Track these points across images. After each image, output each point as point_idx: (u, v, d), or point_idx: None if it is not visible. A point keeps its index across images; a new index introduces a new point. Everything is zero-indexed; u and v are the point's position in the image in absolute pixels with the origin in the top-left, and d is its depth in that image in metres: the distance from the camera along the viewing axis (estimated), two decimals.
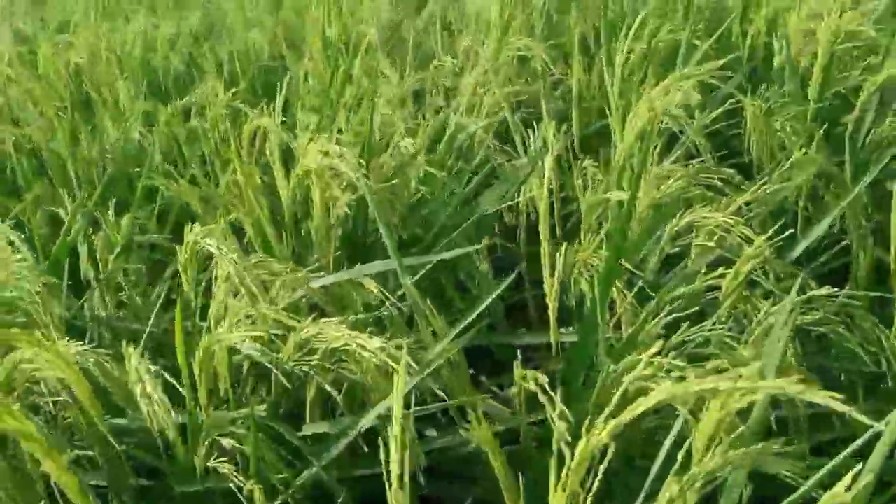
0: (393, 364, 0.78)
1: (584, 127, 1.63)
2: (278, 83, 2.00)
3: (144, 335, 1.02)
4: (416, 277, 0.98)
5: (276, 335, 0.92)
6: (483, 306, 0.86)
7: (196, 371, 0.85)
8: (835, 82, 1.48)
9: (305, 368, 0.88)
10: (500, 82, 1.56)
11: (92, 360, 0.91)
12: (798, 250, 1.04)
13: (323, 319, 0.88)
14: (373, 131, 1.54)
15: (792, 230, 1.02)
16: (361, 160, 1.06)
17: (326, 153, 1.09)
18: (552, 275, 0.88)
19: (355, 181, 1.05)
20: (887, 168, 1.21)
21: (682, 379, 0.73)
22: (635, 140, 1.12)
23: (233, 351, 0.92)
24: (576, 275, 1.06)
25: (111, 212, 1.26)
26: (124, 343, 0.86)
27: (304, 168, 1.10)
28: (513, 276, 0.93)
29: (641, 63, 1.62)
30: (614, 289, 0.94)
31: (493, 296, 0.88)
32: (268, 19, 2.50)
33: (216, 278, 0.95)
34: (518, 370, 0.70)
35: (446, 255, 0.98)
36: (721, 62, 1.45)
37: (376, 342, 0.81)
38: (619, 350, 0.84)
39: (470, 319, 0.85)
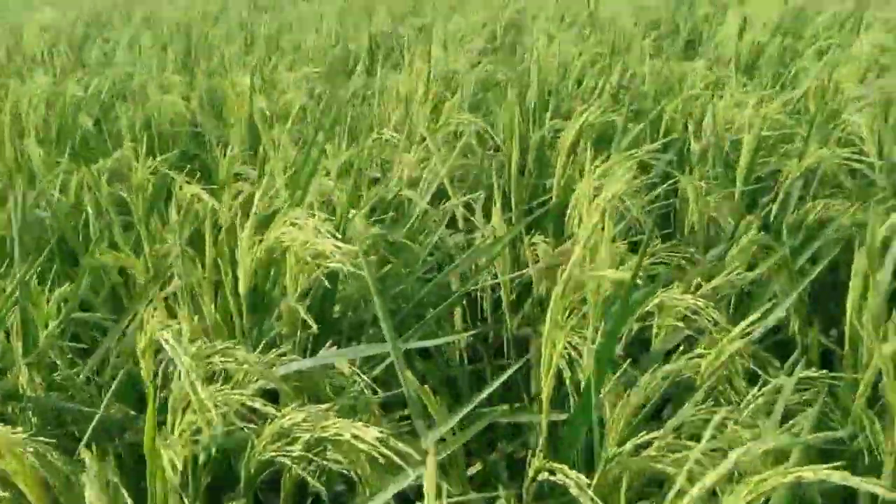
0: (393, 456, 0.74)
1: (524, 202, 1.66)
2: (207, 151, 1.95)
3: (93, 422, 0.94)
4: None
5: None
6: (486, 393, 0.84)
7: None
8: (757, 167, 1.57)
9: (285, 459, 0.82)
10: (441, 157, 1.57)
11: (31, 450, 0.83)
12: (758, 333, 1.07)
13: (303, 406, 0.83)
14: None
15: (758, 315, 1.05)
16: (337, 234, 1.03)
17: (297, 226, 1.06)
18: (548, 361, 0.87)
19: (332, 255, 1.01)
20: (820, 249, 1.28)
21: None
22: (597, 220, 1.14)
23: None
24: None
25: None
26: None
27: (278, 241, 1.05)
28: (507, 373, 0.90)
29: (576, 142, 1.66)
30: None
31: (497, 383, 0.85)
32: (180, 83, 2.43)
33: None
34: (538, 461, 0.68)
35: (440, 341, 0.96)
36: (659, 143, 1.52)
37: (373, 432, 0.77)
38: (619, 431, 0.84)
39: (473, 405, 0.82)
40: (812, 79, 1.86)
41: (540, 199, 1.65)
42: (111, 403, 1.01)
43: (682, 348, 1.00)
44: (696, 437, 0.84)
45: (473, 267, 1.25)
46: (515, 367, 0.89)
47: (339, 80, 2.51)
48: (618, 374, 0.92)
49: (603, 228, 1.17)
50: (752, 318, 0.91)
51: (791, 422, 0.81)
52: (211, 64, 2.99)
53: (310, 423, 0.81)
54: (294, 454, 0.82)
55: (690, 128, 1.90)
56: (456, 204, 1.41)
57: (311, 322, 1.00)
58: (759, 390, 0.85)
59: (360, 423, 0.78)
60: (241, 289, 1.09)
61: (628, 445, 0.79)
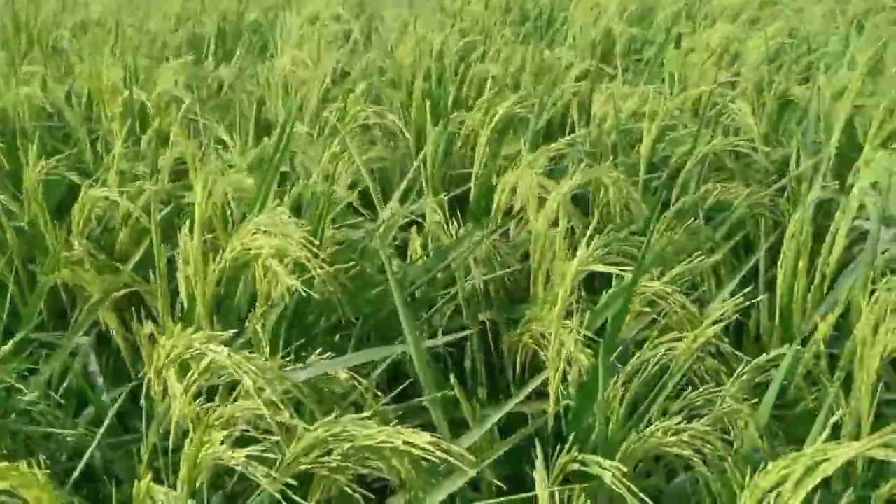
0: (452, 459, 0.76)
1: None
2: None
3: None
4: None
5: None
6: (527, 391, 0.87)
7: None
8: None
9: (322, 471, 0.81)
10: (357, 150, 1.56)
11: None
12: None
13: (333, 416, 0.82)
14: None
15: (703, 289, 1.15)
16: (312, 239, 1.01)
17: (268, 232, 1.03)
18: (555, 356, 0.91)
19: (306, 261, 0.99)
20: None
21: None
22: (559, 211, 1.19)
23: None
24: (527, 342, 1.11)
25: None
26: None
27: (246, 248, 1.02)
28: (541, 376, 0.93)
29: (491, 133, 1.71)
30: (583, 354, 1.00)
31: (531, 387, 0.88)
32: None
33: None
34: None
35: (442, 340, 0.97)
36: (575, 135, 1.60)
37: (425, 437, 0.78)
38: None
39: (512, 405, 0.85)
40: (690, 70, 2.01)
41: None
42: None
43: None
44: (690, 418, 0.92)
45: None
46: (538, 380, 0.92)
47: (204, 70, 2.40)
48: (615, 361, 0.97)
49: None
50: (724, 302, 1.00)
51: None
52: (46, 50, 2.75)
53: (349, 433, 0.80)
54: (332, 465, 0.81)
55: (574, 117, 2.01)
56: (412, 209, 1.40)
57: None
58: (745, 367, 0.94)
59: (411, 430, 0.78)
60: (206, 298, 1.04)
61: (648, 430, 0.86)
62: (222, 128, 1.70)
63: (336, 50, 2.59)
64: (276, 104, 2.17)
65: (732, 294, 1.21)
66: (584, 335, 0.97)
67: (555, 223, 1.25)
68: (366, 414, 0.81)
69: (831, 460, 0.63)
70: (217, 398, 0.91)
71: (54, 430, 0.97)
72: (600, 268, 1.02)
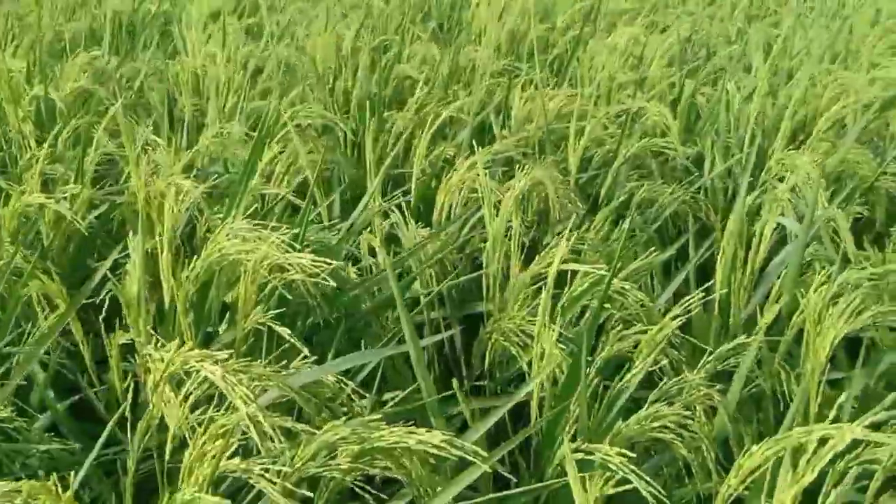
0: (469, 456, 0.79)
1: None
2: None
3: None
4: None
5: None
6: (521, 394, 0.90)
7: None
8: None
9: (332, 473, 0.83)
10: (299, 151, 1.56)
11: None
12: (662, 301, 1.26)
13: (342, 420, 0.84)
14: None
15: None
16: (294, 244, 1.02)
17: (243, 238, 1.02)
18: (540, 355, 0.95)
19: (287, 265, 1.00)
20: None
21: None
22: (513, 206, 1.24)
23: None
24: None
25: None
26: None
27: (221, 254, 1.01)
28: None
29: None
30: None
31: (527, 389, 0.92)
32: None
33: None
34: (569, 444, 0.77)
35: (429, 340, 0.99)
36: (516, 137, 1.65)
37: (438, 435, 0.81)
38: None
39: (509, 407, 0.89)
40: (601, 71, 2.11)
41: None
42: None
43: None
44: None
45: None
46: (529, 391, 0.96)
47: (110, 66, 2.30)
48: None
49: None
50: (686, 299, 1.08)
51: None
52: None
53: (359, 436, 0.82)
54: (342, 467, 0.83)
55: (493, 117, 2.06)
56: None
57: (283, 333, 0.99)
58: (709, 357, 1.02)
59: (422, 430, 0.81)
60: (182, 304, 1.03)
61: (632, 418, 0.92)
62: (148, 128, 1.65)
63: (244, 45, 2.54)
64: (188, 102, 2.12)
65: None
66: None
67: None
68: (375, 417, 0.83)
69: (838, 438, 0.70)
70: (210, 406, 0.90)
71: (31, 445, 0.93)
72: (576, 267, 1.07)
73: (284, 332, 0.96)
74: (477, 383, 1.28)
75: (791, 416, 0.90)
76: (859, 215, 1.51)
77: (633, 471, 0.80)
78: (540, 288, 1.26)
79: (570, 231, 1.48)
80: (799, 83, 1.89)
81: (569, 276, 1.19)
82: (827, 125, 1.68)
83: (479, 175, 1.41)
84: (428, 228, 1.43)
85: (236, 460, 0.77)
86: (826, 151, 1.62)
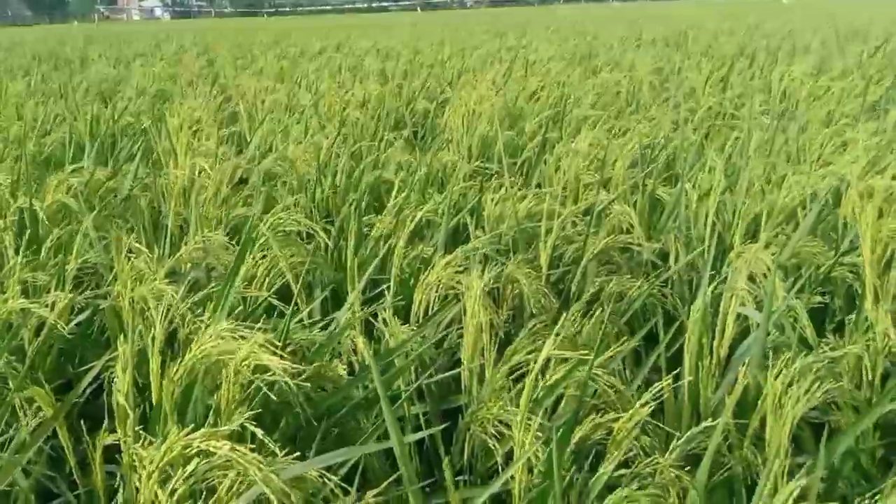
0: None
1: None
2: None
3: None
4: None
5: None
6: (499, 483, 0.94)
7: None
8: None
9: None
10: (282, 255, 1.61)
11: None
12: (634, 388, 1.30)
13: None
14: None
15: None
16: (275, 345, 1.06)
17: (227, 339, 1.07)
18: (521, 444, 0.99)
19: (275, 367, 1.04)
20: None
21: None
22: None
23: None
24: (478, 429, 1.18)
25: None
26: None
27: (204, 355, 1.05)
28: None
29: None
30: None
31: (505, 476, 0.95)
32: None
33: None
34: None
35: (413, 437, 1.03)
36: (489, 237, 1.72)
37: None
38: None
39: (497, 487, 0.92)
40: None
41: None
42: None
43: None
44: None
45: None
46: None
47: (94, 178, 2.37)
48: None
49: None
50: (653, 388, 1.12)
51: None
52: None
53: None
54: None
55: (468, 218, 2.14)
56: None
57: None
58: (677, 441, 1.06)
59: None
60: (170, 402, 1.06)
61: (607, 500, 0.95)
62: (130, 236, 1.70)
63: (227, 154, 2.64)
64: (172, 212, 2.19)
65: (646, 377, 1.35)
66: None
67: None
68: None
69: None
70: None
71: None
72: (566, 354, 1.12)
73: (258, 431, 0.99)
74: (458, 478, 1.31)
75: (758, 495, 0.93)
76: (820, 304, 1.58)
77: None
78: (516, 380, 1.31)
79: (545, 325, 1.55)
80: (753, 180, 2.00)
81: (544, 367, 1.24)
82: (781, 218, 1.77)
83: (454, 273, 1.48)
84: (406, 325, 1.48)
85: None
86: (782, 244, 1.70)
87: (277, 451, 0.95)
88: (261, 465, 0.81)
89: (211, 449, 0.83)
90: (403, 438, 0.98)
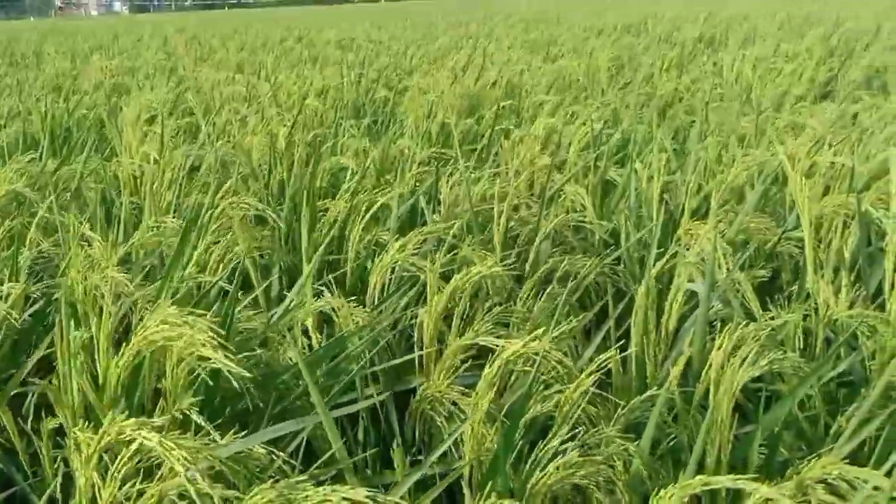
0: None
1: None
2: None
3: None
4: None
5: None
6: (438, 453, 0.95)
7: None
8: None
9: None
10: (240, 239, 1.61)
11: None
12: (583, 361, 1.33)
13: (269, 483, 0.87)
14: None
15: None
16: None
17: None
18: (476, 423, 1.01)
19: (214, 355, 1.04)
20: None
21: None
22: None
23: None
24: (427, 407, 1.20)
25: None
26: None
27: (148, 341, 1.05)
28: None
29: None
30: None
31: (444, 448, 0.97)
32: None
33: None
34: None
35: (343, 411, 1.04)
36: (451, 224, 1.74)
37: (363, 492, 0.84)
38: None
39: (434, 458, 0.93)
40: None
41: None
42: None
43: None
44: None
45: None
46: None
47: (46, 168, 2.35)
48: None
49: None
50: (598, 360, 1.15)
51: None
52: None
53: (285, 497, 0.86)
54: None
55: (423, 202, 2.15)
56: None
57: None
58: (624, 409, 1.09)
59: (346, 487, 0.85)
60: (115, 388, 1.06)
61: (550, 467, 0.97)
62: (83, 225, 1.69)
63: (181, 144, 2.62)
64: (125, 200, 2.17)
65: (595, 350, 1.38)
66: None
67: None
68: (301, 478, 0.87)
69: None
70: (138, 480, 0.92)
71: None
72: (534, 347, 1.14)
73: (199, 418, 0.99)
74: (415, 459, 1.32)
75: (695, 461, 0.96)
76: (765, 278, 1.61)
77: None
78: (465, 360, 1.32)
79: (499, 305, 1.56)
80: (703, 161, 2.04)
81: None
82: (727, 195, 1.81)
83: (410, 256, 1.49)
84: (361, 307, 1.49)
85: None
86: (730, 221, 1.73)
87: (216, 434, 0.95)
88: (185, 457, 0.81)
89: (140, 439, 0.83)
90: (330, 413, 0.99)
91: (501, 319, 1.35)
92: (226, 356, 1.04)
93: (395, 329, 1.54)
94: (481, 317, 1.34)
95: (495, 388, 1.26)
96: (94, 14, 50.76)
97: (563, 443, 1.08)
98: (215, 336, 1.04)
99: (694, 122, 2.79)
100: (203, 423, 0.97)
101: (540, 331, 1.17)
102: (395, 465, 1.06)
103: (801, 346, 1.37)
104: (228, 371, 1.10)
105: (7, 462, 1.22)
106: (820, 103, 3.09)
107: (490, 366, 1.18)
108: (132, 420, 0.85)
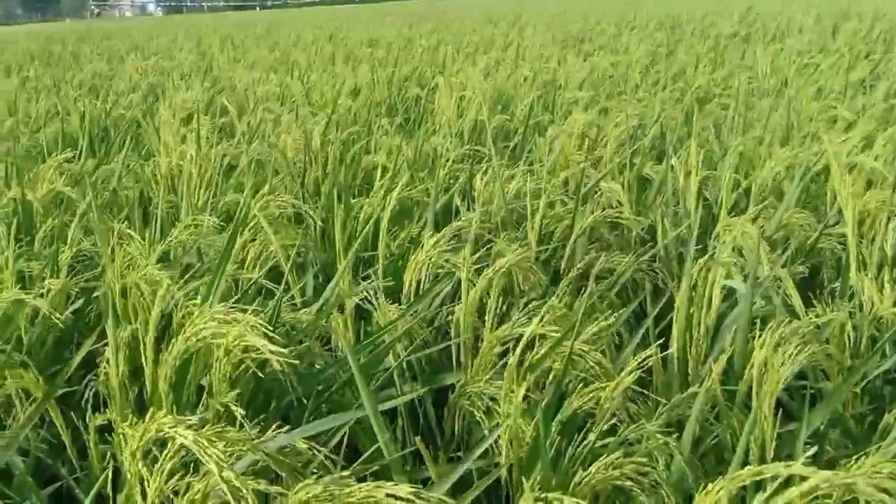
0: None
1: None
2: None
3: None
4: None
5: None
6: (482, 449, 0.95)
7: None
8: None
9: None
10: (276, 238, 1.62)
11: None
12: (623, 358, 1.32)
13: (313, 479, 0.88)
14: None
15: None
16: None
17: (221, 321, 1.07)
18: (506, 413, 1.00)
19: (264, 348, 1.05)
20: None
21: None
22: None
23: None
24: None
25: None
26: None
27: (198, 337, 1.06)
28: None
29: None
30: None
31: (486, 445, 0.97)
32: None
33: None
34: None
35: (390, 403, 1.04)
36: (478, 213, 1.73)
37: (406, 488, 0.85)
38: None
39: (473, 458, 0.93)
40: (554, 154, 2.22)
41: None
42: None
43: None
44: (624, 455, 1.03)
45: None
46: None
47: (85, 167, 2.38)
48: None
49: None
50: (639, 357, 1.14)
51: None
52: None
53: (330, 493, 0.86)
54: None
55: (458, 199, 2.15)
56: None
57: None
58: (663, 408, 1.08)
59: (390, 483, 0.85)
60: (165, 384, 1.07)
61: (592, 466, 0.97)
62: (121, 224, 1.71)
63: (217, 143, 2.64)
64: (163, 199, 2.19)
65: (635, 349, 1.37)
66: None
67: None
68: (344, 474, 0.87)
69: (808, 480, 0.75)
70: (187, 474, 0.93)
71: None
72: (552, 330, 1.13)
73: (239, 411, 1.00)
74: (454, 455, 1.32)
75: (739, 457, 0.95)
76: (804, 274, 1.59)
77: None
78: (503, 355, 1.32)
79: (534, 301, 1.56)
80: (739, 156, 2.01)
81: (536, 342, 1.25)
82: (766, 191, 1.78)
83: (443, 252, 1.49)
84: (397, 305, 1.49)
85: None
86: (769, 217, 1.71)
87: (259, 426, 0.96)
88: (220, 456, 0.82)
89: (176, 437, 0.84)
90: (378, 407, 0.99)
91: (538, 315, 1.34)
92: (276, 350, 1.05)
93: (432, 326, 1.54)
94: (518, 313, 1.33)
95: (534, 384, 1.26)
96: (128, 15, 51.50)
97: (603, 436, 1.08)
98: (264, 331, 1.05)
99: (730, 117, 2.75)
100: (243, 420, 0.97)
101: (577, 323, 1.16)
102: (432, 463, 1.05)
103: (846, 345, 1.35)
104: (277, 363, 1.11)
105: (54, 457, 1.24)
106: (860, 98, 3.04)
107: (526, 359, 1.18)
108: (169, 417, 0.85)
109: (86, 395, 1.26)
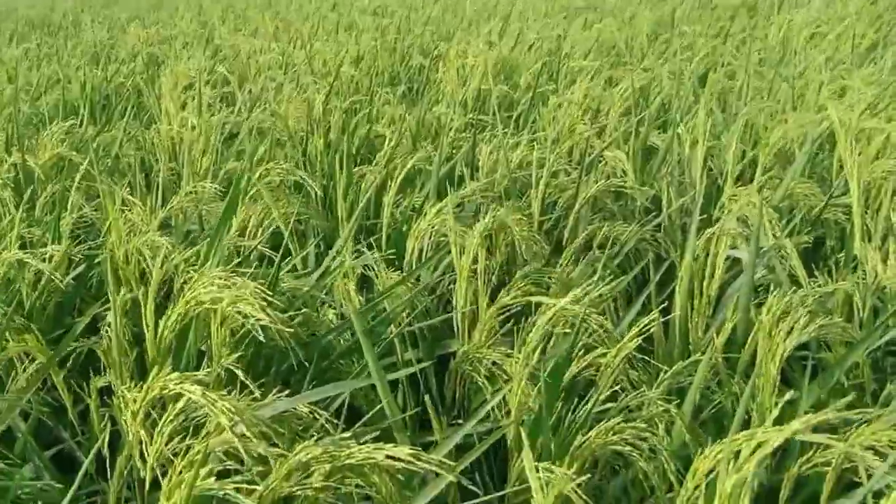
0: (434, 468, 0.83)
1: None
2: None
3: None
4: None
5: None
6: (486, 410, 0.95)
7: None
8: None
9: (307, 492, 0.86)
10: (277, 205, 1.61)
11: None
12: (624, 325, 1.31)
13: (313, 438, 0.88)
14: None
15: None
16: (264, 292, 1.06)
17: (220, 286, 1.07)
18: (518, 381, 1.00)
19: (258, 314, 1.04)
20: None
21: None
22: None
23: None
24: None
25: None
26: None
27: (196, 301, 1.05)
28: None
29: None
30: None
31: (490, 405, 0.97)
32: None
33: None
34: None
35: (402, 373, 1.04)
36: (482, 182, 1.72)
37: (405, 450, 0.84)
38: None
39: (474, 423, 0.93)
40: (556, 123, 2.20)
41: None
42: None
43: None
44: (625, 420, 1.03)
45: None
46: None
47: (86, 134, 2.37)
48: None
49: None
50: (641, 322, 1.13)
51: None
52: None
53: (330, 454, 0.86)
54: (315, 485, 0.86)
55: (462, 168, 2.13)
56: None
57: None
58: (665, 374, 1.07)
59: (390, 445, 0.85)
60: (163, 347, 1.07)
61: (593, 431, 0.96)
62: (124, 190, 1.70)
63: (218, 112, 2.62)
64: (164, 166, 2.18)
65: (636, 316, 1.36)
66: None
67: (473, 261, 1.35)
68: (345, 435, 0.87)
69: (769, 441, 0.75)
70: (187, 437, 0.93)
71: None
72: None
73: (240, 373, 1.00)
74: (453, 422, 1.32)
75: (738, 421, 0.94)
76: (808, 243, 1.58)
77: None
78: (505, 322, 1.31)
79: (536, 270, 1.55)
80: (746, 125, 1.99)
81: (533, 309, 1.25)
82: (772, 160, 1.76)
83: (446, 220, 1.48)
84: (399, 272, 1.48)
85: (211, 480, 0.80)
86: (775, 186, 1.70)
87: (259, 391, 0.96)
88: (230, 409, 0.82)
89: (183, 392, 0.84)
90: (384, 374, 0.99)
91: (539, 281, 1.34)
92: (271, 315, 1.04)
93: (434, 294, 1.54)
94: (519, 280, 1.32)
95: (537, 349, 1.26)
96: None
97: (604, 402, 1.07)
98: (263, 296, 1.05)
99: (735, 85, 2.73)
100: (245, 380, 0.97)
101: (580, 290, 1.16)
102: (437, 422, 1.06)
103: (849, 314, 1.34)
104: (275, 329, 1.10)
105: (55, 420, 1.24)
106: (868, 67, 3.00)
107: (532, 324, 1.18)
108: (175, 374, 0.85)
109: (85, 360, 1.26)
